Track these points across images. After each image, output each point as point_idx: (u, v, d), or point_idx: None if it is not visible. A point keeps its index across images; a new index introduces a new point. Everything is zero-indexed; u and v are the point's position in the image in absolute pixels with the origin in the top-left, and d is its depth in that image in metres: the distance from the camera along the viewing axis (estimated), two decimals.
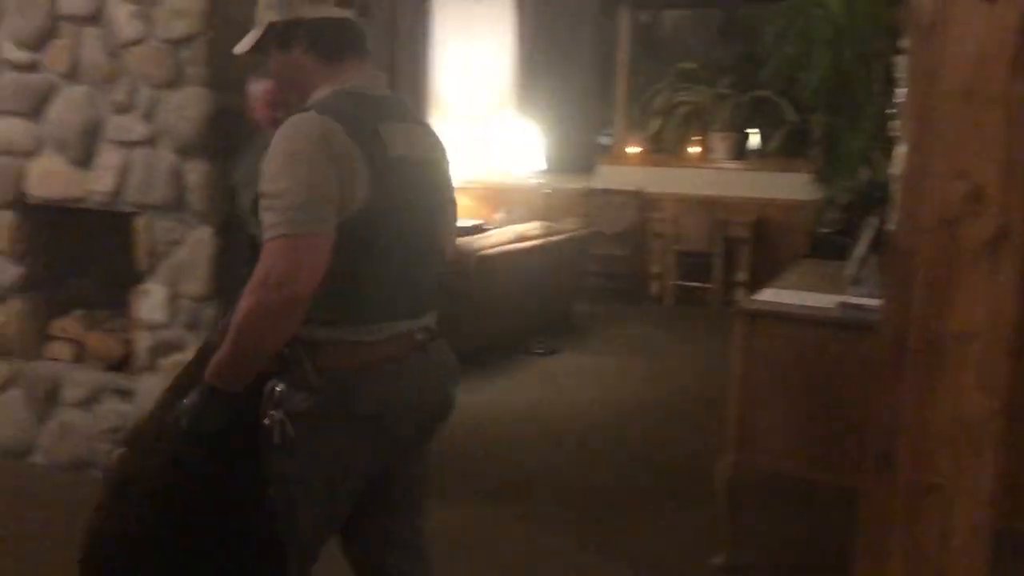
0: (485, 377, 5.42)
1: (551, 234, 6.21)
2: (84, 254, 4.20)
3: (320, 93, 1.91)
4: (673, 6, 8.61)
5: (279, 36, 1.96)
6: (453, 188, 2.15)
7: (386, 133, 1.86)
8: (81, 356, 3.96)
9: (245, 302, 1.73)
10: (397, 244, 1.87)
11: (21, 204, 3.91)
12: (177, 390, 1.95)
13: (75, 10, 3.66)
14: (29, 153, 3.84)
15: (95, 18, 3.64)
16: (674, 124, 7.99)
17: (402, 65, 8.14)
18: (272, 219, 1.73)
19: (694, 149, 8.09)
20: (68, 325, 4.01)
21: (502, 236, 5.94)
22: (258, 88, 3.32)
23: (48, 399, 3.94)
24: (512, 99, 8.00)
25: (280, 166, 1.77)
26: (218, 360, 1.80)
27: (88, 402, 3.86)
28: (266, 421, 1.84)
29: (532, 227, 6.18)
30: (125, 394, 3.78)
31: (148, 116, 3.59)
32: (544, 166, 7.15)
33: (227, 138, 3.54)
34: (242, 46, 2.04)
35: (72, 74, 3.71)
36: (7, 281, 3.96)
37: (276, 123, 3.16)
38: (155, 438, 1.96)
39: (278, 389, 1.85)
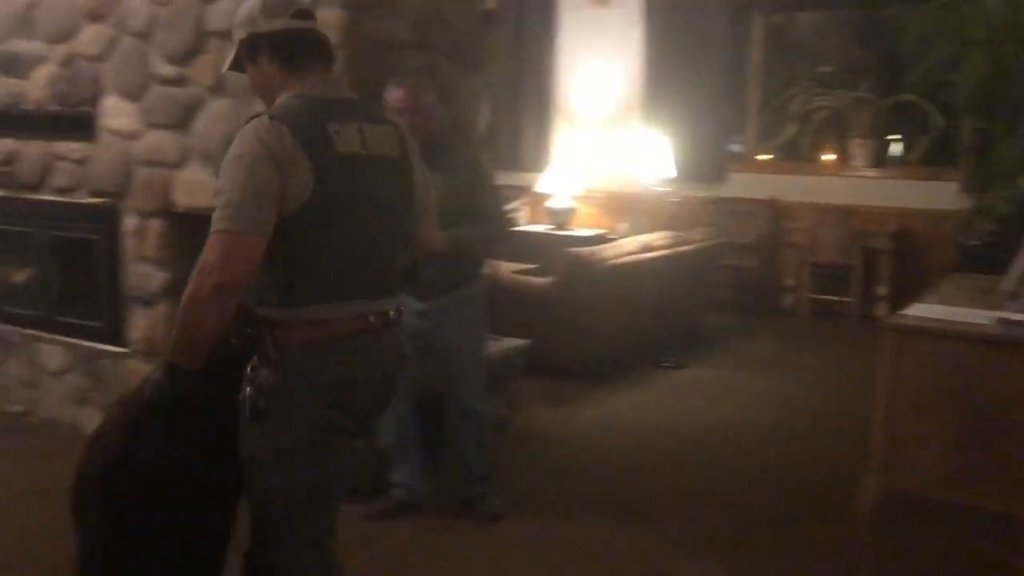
0: (610, 391, 5.35)
1: (679, 244, 6.08)
2: None
3: (281, 98, 2.10)
4: (808, 7, 8.33)
5: (247, 50, 2.17)
6: (426, 182, 2.33)
7: (335, 132, 2.04)
8: None
9: (187, 288, 1.96)
10: (349, 232, 2.06)
11: (168, 213, 4.09)
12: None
13: (221, 25, 3.80)
14: (176, 164, 4.01)
15: None
16: (810, 130, 7.72)
17: (528, 73, 8.17)
18: (215, 215, 1.96)
19: (829, 156, 7.80)
20: None
21: (628, 246, 5.86)
22: (390, 96, 3.37)
23: None
24: (639, 106, 7.91)
25: (226, 168, 1.99)
26: (172, 339, 2.00)
27: None
28: (240, 397, 2.04)
29: (659, 237, 6.07)
30: None
31: None
32: (672, 174, 7.03)
33: None
34: (226, 65, 2.26)
35: (217, 87, 3.86)
36: (154, 286, 4.15)
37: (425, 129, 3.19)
38: (123, 404, 2.19)
39: (250, 369, 2.04)
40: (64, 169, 4.36)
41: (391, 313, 2.18)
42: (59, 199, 4.40)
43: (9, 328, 4.71)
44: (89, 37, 4.18)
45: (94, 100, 4.20)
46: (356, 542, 3.46)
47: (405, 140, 2.25)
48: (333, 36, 3.48)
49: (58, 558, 2.50)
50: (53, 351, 4.54)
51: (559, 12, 8.12)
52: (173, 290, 4.14)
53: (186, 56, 3.90)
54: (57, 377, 4.54)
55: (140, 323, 4.21)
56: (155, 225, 4.12)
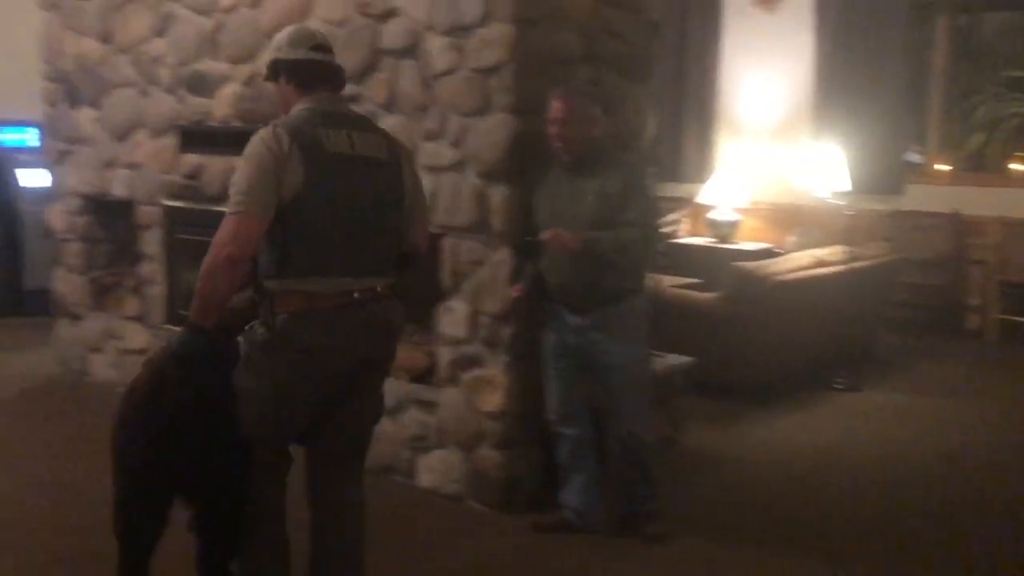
0: (778, 412, 5.15)
1: (854, 259, 5.79)
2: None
3: (292, 111, 2.63)
4: (997, 8, 7.80)
5: (271, 71, 2.73)
6: (418, 185, 2.77)
7: (325, 136, 2.53)
8: None
9: (204, 260, 2.41)
10: (335, 218, 2.50)
11: None
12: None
13: (394, 44, 3.91)
14: None
15: (411, 51, 3.86)
16: (999, 138, 7.21)
17: (691, 81, 8.01)
18: (229, 202, 2.45)
19: (1020, 167, 7.26)
20: None
21: (799, 261, 5.63)
22: (550, 108, 3.35)
23: None
24: (809, 114, 7.60)
25: (239, 164, 2.50)
26: (193, 302, 2.45)
27: (394, 411, 4.07)
28: (241, 351, 2.54)
29: (832, 252, 5.80)
30: (428, 405, 3.95)
31: (456, 142, 3.75)
32: (845, 186, 6.71)
33: (528, 161, 3.61)
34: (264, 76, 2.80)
35: (389, 104, 3.96)
36: None
37: (562, 140, 3.19)
38: (152, 359, 2.68)
39: (249, 327, 2.52)
40: None
41: (378, 288, 2.59)
42: None
43: None
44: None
45: (274, 116, 4.38)
46: (517, 552, 3.47)
47: (396, 147, 2.72)
48: (501, 51, 3.57)
49: None
50: None
51: (724, 19, 7.91)
52: None
53: (361, 74, 4.02)
54: None
55: None
56: None
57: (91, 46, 5.32)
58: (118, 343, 5.41)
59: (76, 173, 5.57)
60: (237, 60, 4.53)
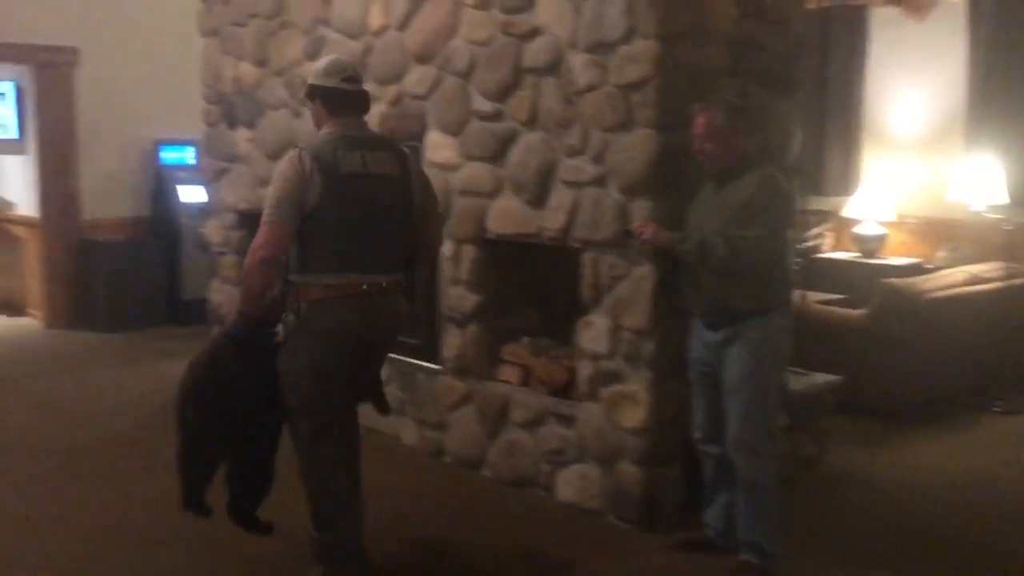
0: (929, 434, 4.94)
1: (1013, 276, 5.50)
2: (531, 286, 4.52)
3: (319, 134, 3.16)
4: None
5: (310, 93, 3.21)
6: (428, 194, 3.32)
7: (341, 158, 3.03)
8: (528, 380, 4.25)
9: (245, 260, 2.99)
10: (347, 226, 3.04)
11: (481, 239, 4.31)
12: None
13: (537, 62, 3.96)
14: (490, 194, 4.22)
15: (554, 68, 3.90)
16: None
17: (834, 92, 7.77)
18: (264, 213, 2.99)
19: None
20: (517, 350, 4.32)
21: (953, 277, 5.39)
22: (694, 122, 3.33)
23: (498, 418, 4.27)
24: (962, 125, 7.24)
25: (272, 181, 3.05)
26: (239, 294, 3.11)
27: (533, 424, 4.12)
28: (275, 335, 3.12)
29: (989, 268, 5.52)
30: (566, 419, 3.98)
31: (598, 158, 3.77)
32: (1002, 199, 6.37)
33: (672, 176, 3.60)
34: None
35: (531, 121, 4.01)
36: (467, 308, 4.38)
37: (705, 153, 3.14)
38: (211, 339, 3.33)
39: (283, 316, 3.09)
40: None
41: (384, 283, 3.13)
42: None
43: None
44: (416, 78, 4.52)
45: (419, 135, 4.53)
46: (658, 570, 3.44)
47: (407, 163, 3.23)
48: (645, 67, 3.57)
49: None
50: None
51: (869, 29, 7.65)
52: (483, 312, 4.36)
53: (503, 93, 4.10)
54: None
55: (453, 342, 4.46)
56: (469, 251, 4.35)
57: (248, 70, 5.61)
58: None
59: (232, 190, 5.87)
60: (384, 81, 4.68)
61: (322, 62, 3.24)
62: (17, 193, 8.29)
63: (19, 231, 8.21)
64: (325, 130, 3.14)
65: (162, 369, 6.19)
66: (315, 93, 3.17)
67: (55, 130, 7.62)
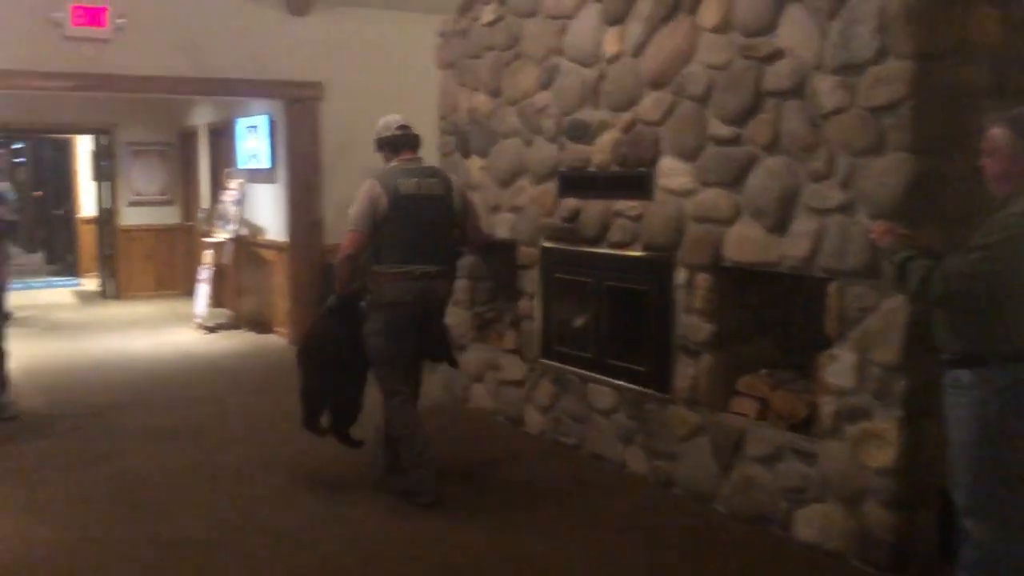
0: None
1: None
2: (769, 315, 4.39)
3: (387, 166, 4.46)
4: None
5: (377, 145, 4.56)
6: (468, 205, 4.67)
7: (400, 183, 4.32)
8: (764, 413, 4.11)
9: (337, 256, 4.43)
10: (407, 231, 4.30)
11: (716, 267, 4.22)
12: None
13: (779, 85, 3.85)
14: (727, 220, 4.13)
15: (797, 91, 3.78)
16: None
17: None
18: (348, 223, 4.35)
19: None
20: (753, 382, 4.20)
21: None
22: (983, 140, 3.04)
23: (732, 451, 4.16)
24: None
25: (356, 199, 4.34)
26: (335, 281, 4.48)
27: (770, 459, 3.99)
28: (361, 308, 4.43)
29: None
30: (807, 456, 3.81)
31: (845, 183, 3.61)
32: None
33: (931, 203, 3.39)
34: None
35: (772, 145, 3.90)
36: (701, 337, 4.30)
37: (986, 175, 2.76)
38: (321, 312, 4.69)
39: (365, 295, 4.40)
40: (621, 225, 4.73)
41: (431, 271, 4.35)
42: (615, 252, 4.79)
43: (567, 368, 5.22)
44: (650, 103, 4.51)
45: (652, 161, 4.51)
46: None
47: (450, 185, 4.54)
48: (899, 88, 3.41)
49: None
50: (603, 391, 4.93)
51: None
52: (718, 342, 4.27)
53: (743, 117, 4.01)
54: (606, 416, 4.91)
55: (685, 371, 4.39)
56: (704, 278, 4.28)
57: (482, 100, 5.81)
58: (496, 374, 5.81)
59: None
60: (617, 108, 4.71)
61: (382, 122, 4.58)
62: (267, 219, 8.98)
63: (268, 255, 8.89)
64: (390, 164, 4.47)
65: None
66: (381, 144, 4.55)
67: (302, 160, 8.21)
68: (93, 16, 7.25)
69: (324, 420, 4.58)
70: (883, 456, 3.50)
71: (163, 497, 4.53)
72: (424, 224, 4.33)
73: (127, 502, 4.46)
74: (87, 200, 13.00)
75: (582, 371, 5.11)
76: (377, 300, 4.34)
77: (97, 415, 6.07)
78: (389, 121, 4.54)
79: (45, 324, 9.75)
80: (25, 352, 7.67)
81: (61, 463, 5.08)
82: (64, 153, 14.36)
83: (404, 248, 4.30)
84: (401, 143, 4.48)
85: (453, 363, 4.92)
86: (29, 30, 7.11)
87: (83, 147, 13.16)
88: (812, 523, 3.80)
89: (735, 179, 4.08)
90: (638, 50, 4.56)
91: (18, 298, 10.95)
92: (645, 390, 4.65)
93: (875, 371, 3.53)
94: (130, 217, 11.66)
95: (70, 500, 4.49)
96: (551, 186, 5.23)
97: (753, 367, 4.28)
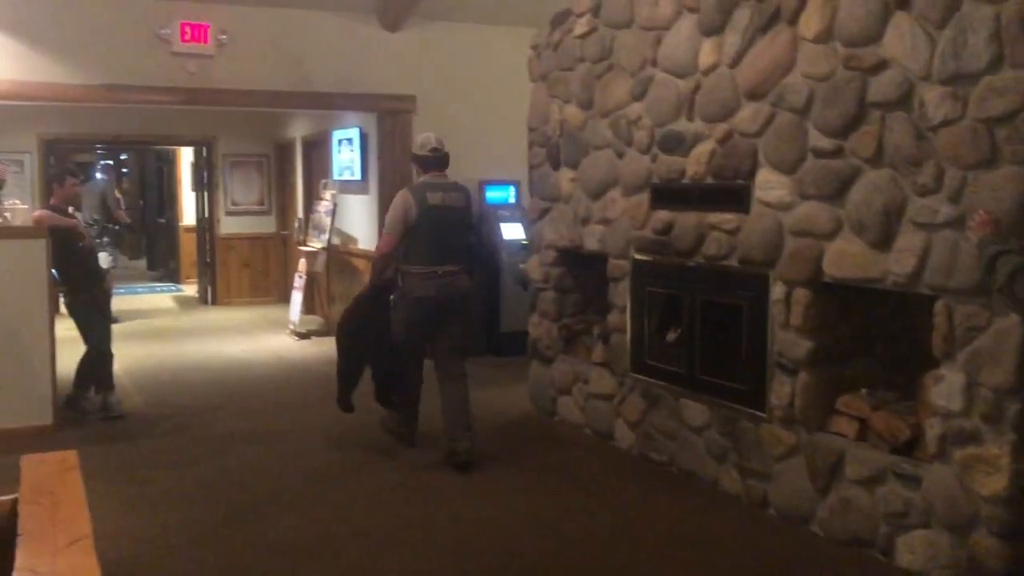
0: None
1: None
2: (870, 333, 4.25)
3: (418, 180, 5.26)
4: None
5: (414, 160, 5.37)
6: (472, 214, 5.42)
7: (429, 195, 5.05)
8: (864, 434, 3.98)
9: (373, 254, 5.55)
10: (432, 236, 5.03)
11: (816, 282, 4.11)
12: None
13: (884, 96, 3.73)
14: (828, 235, 4.02)
15: (903, 103, 3.66)
16: None
17: None
18: (385, 226, 5.25)
19: None
20: (853, 402, 4.07)
21: None
22: None
23: (830, 472, 4.03)
24: None
25: (390, 209, 5.17)
26: (371, 274, 5.38)
27: (870, 482, 3.85)
28: (391, 299, 5.26)
29: None
30: (910, 480, 3.67)
31: (954, 197, 3.47)
32: None
33: None
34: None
35: (876, 158, 3.78)
36: (798, 354, 4.19)
37: None
38: (357, 297, 5.69)
39: (395, 288, 5.22)
40: (716, 238, 4.65)
41: (452, 269, 5.08)
42: (709, 265, 4.71)
43: (658, 382, 5.15)
44: (748, 114, 4.43)
45: (749, 173, 4.43)
46: None
47: (468, 199, 5.31)
48: (1015, 98, 3.27)
49: None
50: (695, 408, 4.84)
51: None
52: (817, 360, 4.15)
53: (845, 129, 3.90)
54: (698, 433, 4.82)
55: (781, 389, 4.28)
56: (802, 294, 4.16)
57: (574, 112, 5.80)
58: (585, 387, 5.77)
59: (553, 228, 6.08)
60: (713, 119, 4.64)
61: (417, 140, 5.39)
62: (358, 229, 9.14)
63: (360, 264, 9.03)
64: (421, 179, 5.26)
65: (484, 399, 6.51)
66: (415, 160, 5.34)
67: (393, 171, 8.32)
68: (198, 33, 7.50)
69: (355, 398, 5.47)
70: (993, 483, 3.35)
71: (259, 498, 4.63)
72: (446, 230, 5.10)
73: (224, 502, 4.58)
74: (188, 209, 13.45)
75: (673, 386, 5.03)
76: (406, 293, 5.13)
77: (195, 416, 6.26)
78: (424, 141, 5.22)
79: (147, 328, 10.10)
80: (129, 355, 7.96)
81: (162, 462, 5.25)
82: (167, 164, 14.91)
83: (430, 250, 5.06)
84: (432, 163, 5.19)
85: (466, 352, 5.48)
86: (139, 47, 7.39)
87: (185, 158, 13.62)
88: (915, 549, 3.66)
89: (836, 192, 3.97)
90: (735, 61, 4.49)
91: (122, 302, 11.43)
92: (739, 407, 4.55)
93: (985, 393, 3.38)
94: (228, 226, 12.01)
95: (171, 499, 4.63)
96: (643, 198, 5.18)
97: (853, 386, 4.15)
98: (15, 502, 3.03)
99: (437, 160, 5.18)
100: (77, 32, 7.23)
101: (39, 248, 5.71)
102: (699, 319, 4.88)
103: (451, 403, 5.14)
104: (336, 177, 9.41)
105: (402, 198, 5.08)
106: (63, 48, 7.19)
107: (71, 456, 3.44)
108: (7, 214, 5.97)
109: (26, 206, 6.50)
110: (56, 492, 3.05)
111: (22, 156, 10.32)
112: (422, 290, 5.04)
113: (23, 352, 5.71)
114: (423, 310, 5.08)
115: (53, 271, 5.85)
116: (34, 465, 3.32)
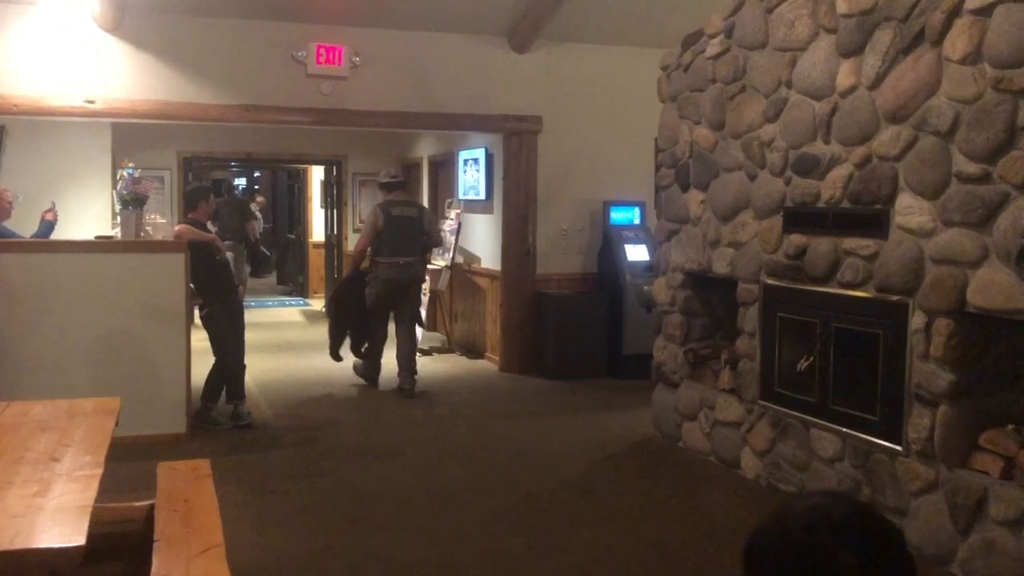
0: None
1: None
2: (1017, 366, 4.04)
3: (385, 199, 7.79)
4: None
5: (379, 187, 8.08)
6: (432, 223, 8.02)
7: (393, 209, 7.59)
8: (1010, 472, 3.78)
9: (353, 249, 8.72)
10: (395, 237, 7.50)
11: (959, 312, 3.94)
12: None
13: None
14: (974, 263, 3.85)
15: None
16: None
17: None
18: (361, 229, 8.60)
19: None
20: (998, 438, 3.87)
21: None
22: None
23: (972, 512, 3.84)
24: None
25: (366, 218, 8.34)
26: (351, 264, 8.15)
27: (1017, 523, 3.65)
28: (365, 280, 7.78)
29: None
30: None
31: None
32: None
33: None
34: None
35: None
36: (939, 387, 4.02)
37: None
38: (342, 279, 9.23)
39: (370, 274, 7.70)
40: (852, 264, 4.51)
41: (410, 260, 7.52)
42: (845, 292, 4.57)
43: (788, 411, 5.02)
44: (888, 138, 4.29)
45: (888, 198, 4.28)
46: None
47: (423, 211, 7.97)
48: None
49: None
50: (827, 438, 4.70)
51: None
52: (959, 393, 3.97)
53: (993, 153, 3.74)
54: (829, 464, 4.67)
55: (920, 422, 4.11)
56: (944, 324, 4.00)
57: (704, 133, 5.74)
58: (711, 413, 5.67)
59: (680, 250, 6.02)
60: (850, 142, 4.51)
61: (381, 172, 8.03)
62: (482, 248, 9.26)
63: (482, 282, 9.15)
64: (386, 198, 7.61)
65: (605, 421, 6.49)
66: (381, 186, 7.78)
67: (517, 191, 8.41)
68: (332, 55, 7.77)
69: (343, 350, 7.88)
70: None
71: (382, 513, 4.72)
72: (405, 233, 7.46)
73: (347, 516, 4.68)
74: (317, 225, 13.90)
75: (804, 415, 4.90)
76: (376, 277, 7.47)
77: (320, 429, 6.44)
78: (385, 173, 7.92)
79: (276, 340, 10.47)
80: (258, 366, 8.27)
81: (288, 473, 5.41)
82: (298, 181, 15.46)
83: (393, 247, 7.40)
84: (393, 186, 7.72)
85: (420, 323, 8.31)
86: (276, 69, 7.70)
87: (315, 176, 14.10)
88: None
89: (982, 219, 3.80)
90: (875, 83, 4.36)
91: (253, 315, 11.88)
92: (873, 439, 4.39)
93: None
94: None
95: (296, 511, 4.76)
96: (775, 221, 5.08)
97: (998, 422, 3.95)
98: (151, 507, 3.18)
99: (396, 184, 7.77)
100: (217, 54, 7.59)
101: (178, 261, 5.96)
102: (832, 347, 4.74)
103: (402, 352, 7.54)
104: (461, 196, 9.57)
105: (373, 212, 7.61)
106: (204, 70, 7.55)
107: (203, 464, 3.60)
108: (149, 228, 6.29)
109: (164, 220, 6.85)
110: (190, 499, 3.19)
111: (163, 172, 10.87)
112: (388, 274, 7.42)
113: (160, 361, 5.97)
114: (388, 288, 7.46)
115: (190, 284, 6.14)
116: (169, 472, 3.48)
